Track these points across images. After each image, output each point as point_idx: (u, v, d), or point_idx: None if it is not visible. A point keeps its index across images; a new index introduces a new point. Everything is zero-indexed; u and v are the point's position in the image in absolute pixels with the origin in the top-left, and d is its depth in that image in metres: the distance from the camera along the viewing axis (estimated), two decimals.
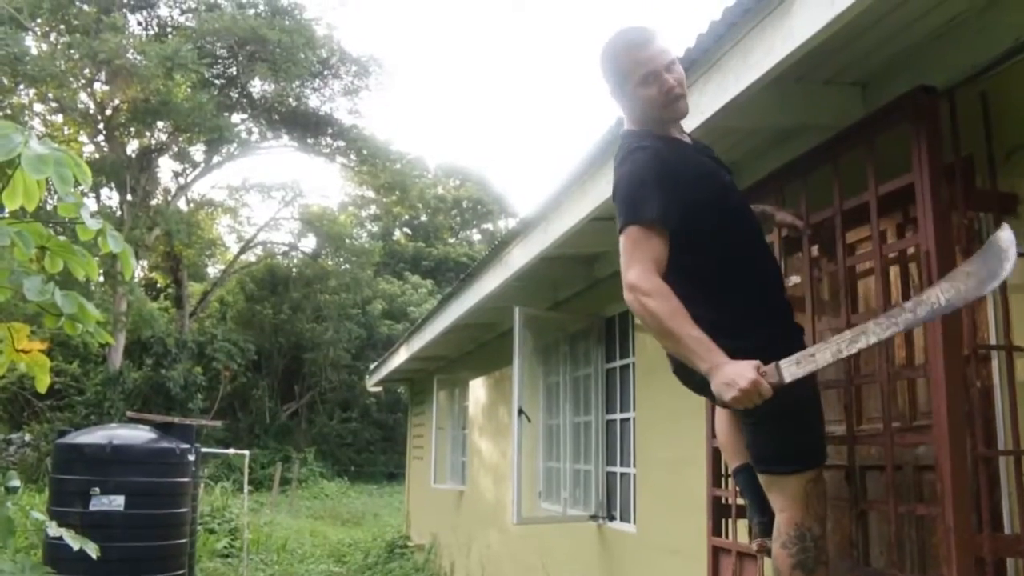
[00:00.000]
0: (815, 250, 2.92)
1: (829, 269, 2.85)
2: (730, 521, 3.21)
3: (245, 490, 10.07)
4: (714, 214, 2.42)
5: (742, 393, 2.10)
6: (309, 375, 29.45)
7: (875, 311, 2.62)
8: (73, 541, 5.51)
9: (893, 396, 2.64)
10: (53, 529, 5.29)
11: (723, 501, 3.27)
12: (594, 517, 5.51)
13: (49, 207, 14.93)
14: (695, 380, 2.49)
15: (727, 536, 3.24)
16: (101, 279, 22.19)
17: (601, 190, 3.62)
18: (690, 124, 2.73)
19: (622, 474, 5.39)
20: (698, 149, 2.60)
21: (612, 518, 5.42)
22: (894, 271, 2.82)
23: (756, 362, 2.14)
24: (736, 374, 2.11)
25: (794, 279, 3.05)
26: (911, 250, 2.66)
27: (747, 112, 2.78)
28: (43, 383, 6.72)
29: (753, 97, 2.62)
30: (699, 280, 2.36)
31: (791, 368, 2.15)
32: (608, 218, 4.04)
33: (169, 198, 27.42)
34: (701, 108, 2.75)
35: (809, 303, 2.85)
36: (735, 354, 2.17)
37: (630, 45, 2.42)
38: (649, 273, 2.22)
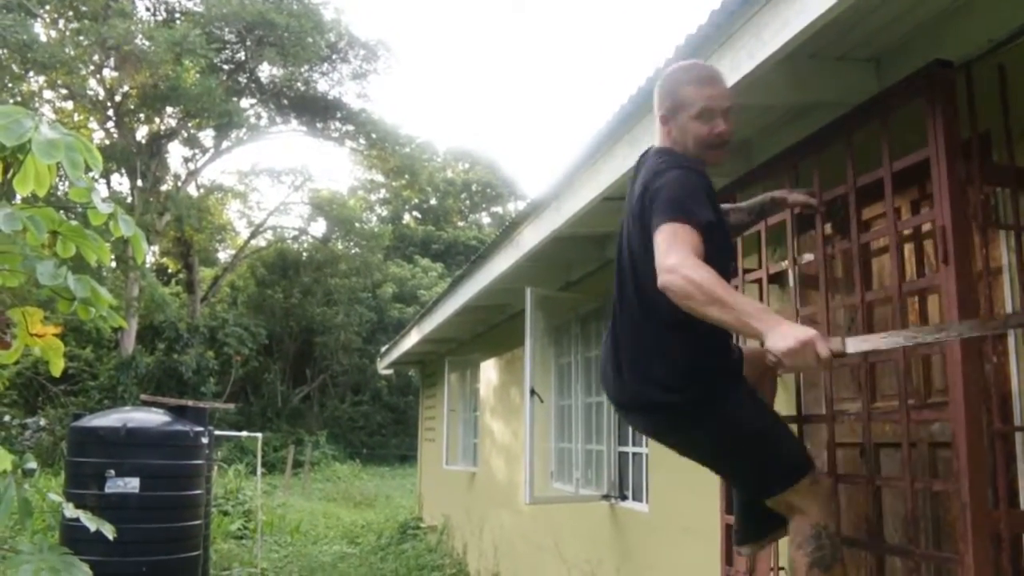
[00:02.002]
0: (828, 228, 2.90)
1: (843, 247, 2.83)
2: None
3: (258, 472, 10.12)
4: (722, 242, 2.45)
5: (799, 344, 1.98)
6: (320, 359, 29.57)
7: (889, 289, 2.61)
8: (90, 522, 5.55)
9: (908, 373, 2.63)
10: (70, 511, 5.33)
11: None
12: (606, 497, 5.52)
13: (60, 193, 14.98)
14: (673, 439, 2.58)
15: None
16: (113, 264, 22.29)
17: (614, 168, 3.61)
18: None
19: (634, 454, 5.40)
20: None
21: (624, 498, 5.43)
22: (908, 248, 2.80)
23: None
24: (798, 329, 2.03)
25: (807, 257, 3.03)
26: (927, 227, 2.64)
27: (760, 89, 2.76)
28: (57, 367, 6.76)
29: (766, 74, 2.60)
30: None
31: (856, 342, 2.10)
32: (620, 197, 4.03)
33: (179, 184, 27.47)
34: None
35: (823, 281, 2.83)
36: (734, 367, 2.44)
37: (700, 79, 2.46)
38: (691, 257, 2.14)
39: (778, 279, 3.30)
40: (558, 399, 6.46)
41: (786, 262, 3.05)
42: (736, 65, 2.64)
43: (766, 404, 2.62)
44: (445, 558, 10.11)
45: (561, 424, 6.39)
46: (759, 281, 3.20)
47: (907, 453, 2.48)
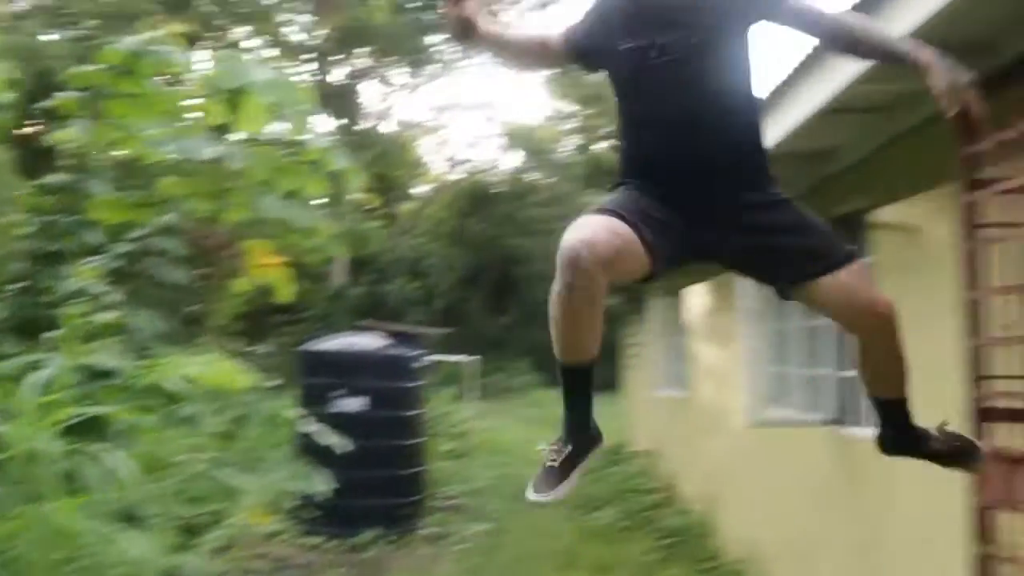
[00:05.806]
0: None
1: None
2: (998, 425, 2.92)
3: (475, 394, 10.37)
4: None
5: None
6: (521, 288, 29.92)
7: None
8: (325, 437, 5.82)
9: None
10: (308, 426, 5.63)
11: (988, 405, 2.98)
12: (830, 422, 5.22)
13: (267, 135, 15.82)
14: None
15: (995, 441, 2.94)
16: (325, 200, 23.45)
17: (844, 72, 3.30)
18: None
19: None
20: None
21: (851, 423, 5.11)
22: None
23: None
24: None
25: None
26: None
27: None
28: (285, 294, 7.07)
29: None
30: None
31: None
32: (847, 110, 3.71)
33: (378, 121, 28.31)
34: None
35: None
36: None
37: None
38: None
39: None
40: (775, 322, 6.17)
41: None
42: None
43: None
44: (655, 481, 10.07)
45: (780, 347, 6.10)
46: None
47: None
